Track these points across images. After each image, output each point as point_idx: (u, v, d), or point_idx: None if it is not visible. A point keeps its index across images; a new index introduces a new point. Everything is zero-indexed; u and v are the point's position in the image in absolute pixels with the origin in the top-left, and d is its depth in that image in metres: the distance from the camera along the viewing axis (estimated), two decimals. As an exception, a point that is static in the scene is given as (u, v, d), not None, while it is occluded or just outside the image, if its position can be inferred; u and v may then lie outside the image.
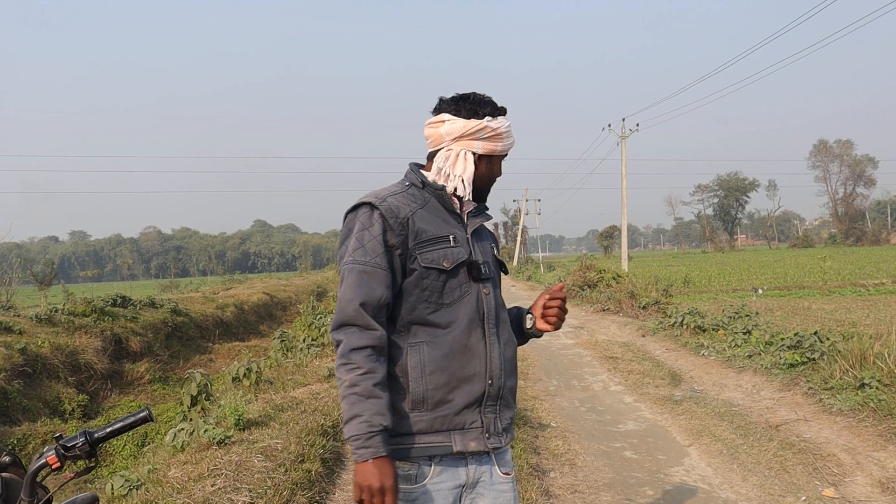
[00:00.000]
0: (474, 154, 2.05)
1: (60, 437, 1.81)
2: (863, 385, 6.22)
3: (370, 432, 1.79)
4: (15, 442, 9.22)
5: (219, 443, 5.19)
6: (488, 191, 2.14)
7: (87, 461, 1.82)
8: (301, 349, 11.56)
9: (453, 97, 2.07)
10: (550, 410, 7.19)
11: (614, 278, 20.95)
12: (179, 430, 5.72)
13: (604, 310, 17.58)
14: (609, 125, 33.75)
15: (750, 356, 8.73)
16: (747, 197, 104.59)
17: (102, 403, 12.17)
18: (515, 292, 29.25)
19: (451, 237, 1.99)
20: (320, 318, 15.53)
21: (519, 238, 67.28)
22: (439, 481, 1.93)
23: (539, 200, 64.38)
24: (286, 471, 4.70)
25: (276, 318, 24.50)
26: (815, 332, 8.10)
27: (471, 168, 2.04)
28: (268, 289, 28.60)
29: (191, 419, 6.52)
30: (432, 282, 1.94)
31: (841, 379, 6.65)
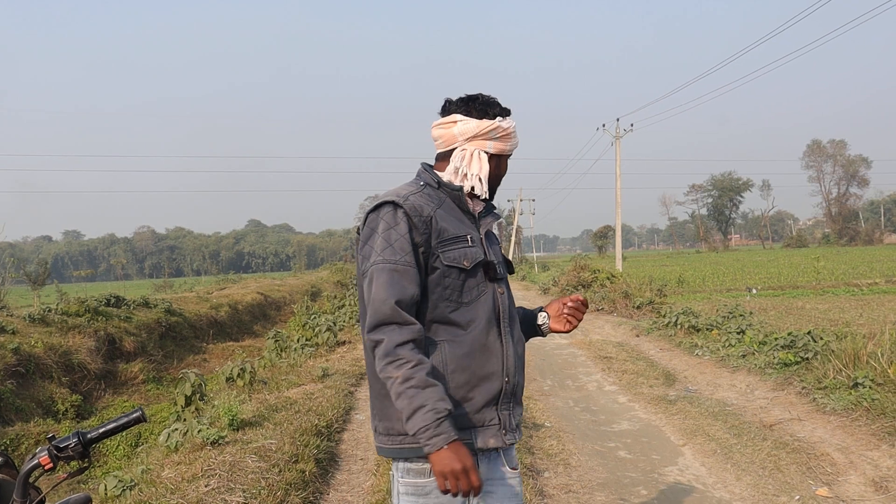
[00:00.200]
0: (486, 153, 2.10)
1: (53, 437, 1.80)
2: (856, 384, 6.24)
3: (438, 419, 1.79)
4: (7, 442, 9.19)
5: (213, 443, 5.18)
6: (496, 190, 2.19)
7: (80, 462, 1.81)
8: (295, 349, 11.56)
9: (461, 98, 2.12)
10: (545, 410, 7.19)
11: (608, 278, 20.97)
12: (173, 431, 5.70)
13: (598, 310, 17.59)
14: (603, 125, 33.75)
15: (744, 356, 8.76)
16: (741, 197, 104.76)
17: (96, 403, 12.15)
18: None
19: (468, 237, 2.04)
20: (314, 318, 15.53)
21: (513, 238, 67.34)
22: None
23: (533, 200, 64.44)
24: (280, 471, 4.69)
25: (271, 318, 24.47)
26: (809, 332, 8.13)
27: (486, 167, 2.09)
28: (262, 289, 28.54)
29: (185, 419, 6.50)
30: (453, 280, 1.98)
31: (834, 378, 6.67)
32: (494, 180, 2.15)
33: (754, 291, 22.54)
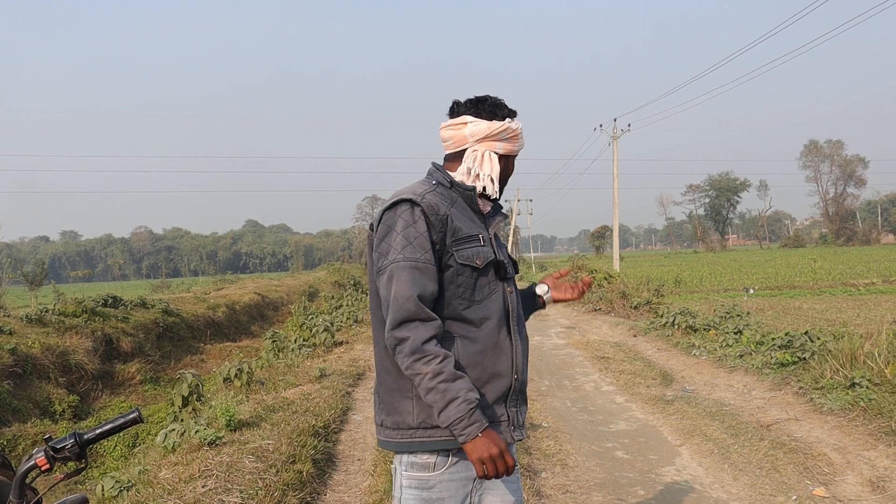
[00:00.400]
0: (496, 154, 2.16)
1: (50, 438, 1.80)
2: (853, 384, 6.24)
3: (471, 409, 1.86)
4: (4, 443, 9.18)
5: (210, 443, 5.18)
6: (503, 190, 2.24)
7: (76, 463, 1.81)
8: (292, 349, 11.55)
9: (470, 100, 2.17)
10: (542, 410, 7.20)
11: (606, 278, 20.97)
12: (170, 431, 5.70)
13: (595, 310, 17.60)
14: (601, 125, 33.88)
15: (741, 356, 8.77)
16: (738, 197, 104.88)
17: (93, 404, 12.12)
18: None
19: (480, 237, 2.08)
20: (312, 318, 15.52)
21: (511, 238, 67.35)
22: (455, 471, 2.02)
23: (531, 200, 64.71)
24: (277, 472, 4.69)
25: (268, 319, 24.43)
26: (806, 332, 8.13)
27: (497, 168, 2.15)
28: (259, 289, 28.49)
29: (182, 420, 6.50)
30: (466, 279, 2.03)
31: (831, 378, 6.68)
32: (503, 180, 2.21)
33: (751, 291, 22.57)
